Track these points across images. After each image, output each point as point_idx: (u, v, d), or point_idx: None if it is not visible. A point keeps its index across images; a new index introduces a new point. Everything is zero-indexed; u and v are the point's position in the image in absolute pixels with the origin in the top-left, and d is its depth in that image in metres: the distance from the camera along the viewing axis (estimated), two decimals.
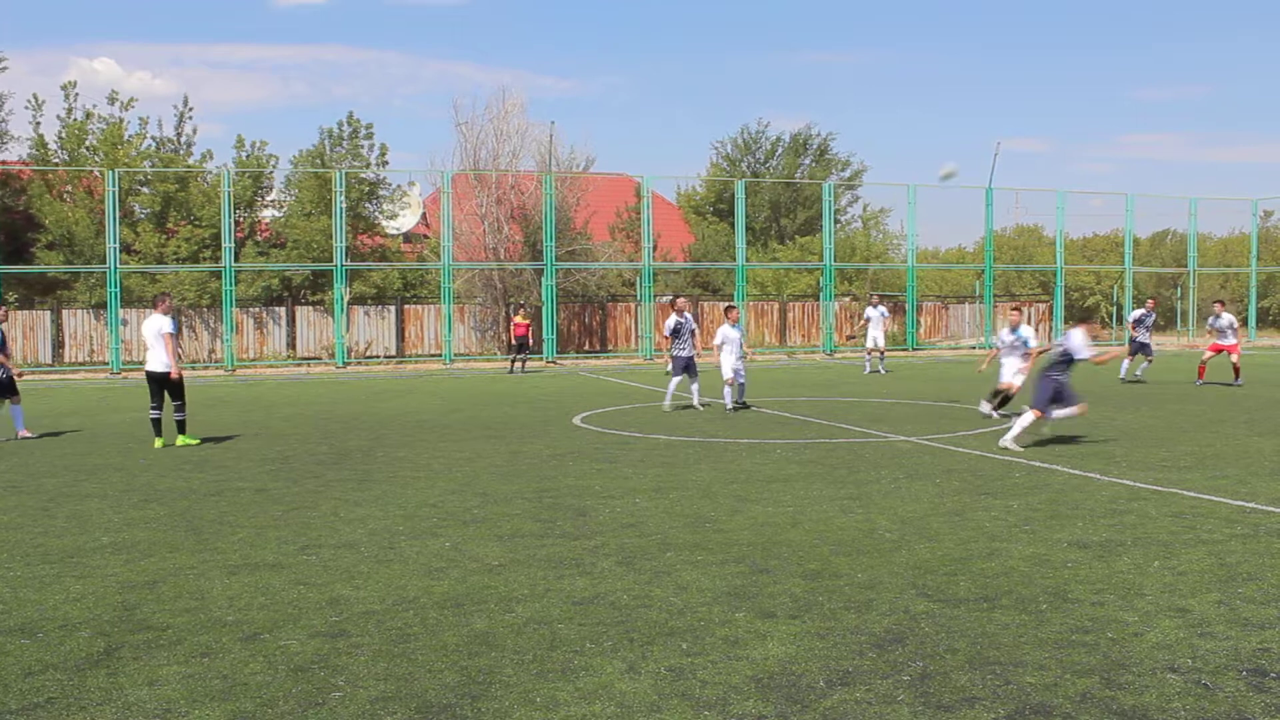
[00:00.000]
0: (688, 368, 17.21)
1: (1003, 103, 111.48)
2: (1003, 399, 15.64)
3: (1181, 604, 5.97)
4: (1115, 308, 45.93)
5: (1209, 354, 21.92)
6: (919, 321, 40.29)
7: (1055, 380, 12.32)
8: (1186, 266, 46.55)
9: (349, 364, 31.96)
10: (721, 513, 8.70)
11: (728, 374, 16.93)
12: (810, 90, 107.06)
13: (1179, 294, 46.77)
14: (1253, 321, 46.23)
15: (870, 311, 26.81)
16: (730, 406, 16.78)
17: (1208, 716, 4.38)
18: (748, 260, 37.54)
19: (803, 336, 40.07)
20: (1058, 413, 12.45)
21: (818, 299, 39.46)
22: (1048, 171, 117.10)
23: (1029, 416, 12.27)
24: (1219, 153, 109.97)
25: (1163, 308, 52.68)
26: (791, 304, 40.64)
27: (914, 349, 38.19)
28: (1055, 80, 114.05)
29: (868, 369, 27.18)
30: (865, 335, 27.29)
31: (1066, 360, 12.40)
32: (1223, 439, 13.02)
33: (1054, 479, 10.22)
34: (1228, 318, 21.51)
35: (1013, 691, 4.67)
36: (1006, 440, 12.25)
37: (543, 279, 33.93)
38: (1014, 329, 15.79)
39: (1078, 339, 12.41)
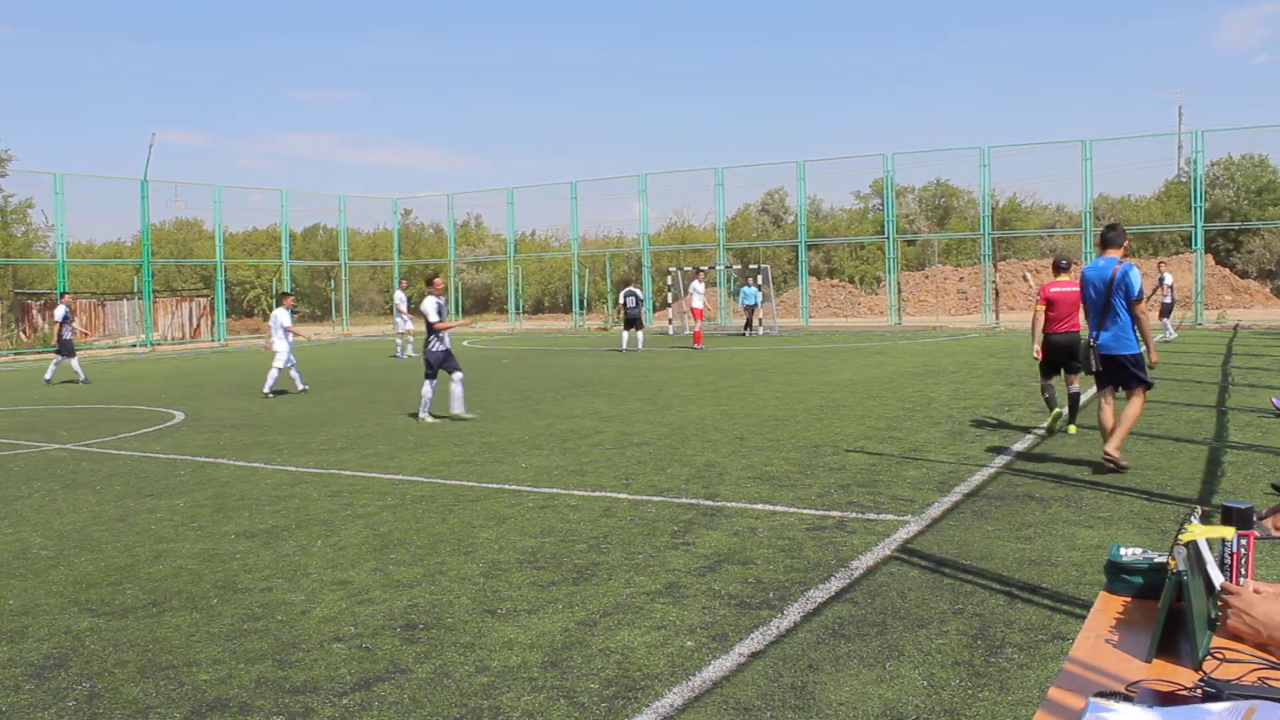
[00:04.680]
0: None
1: (160, 94, 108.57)
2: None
3: (343, 577, 6.40)
4: (275, 300, 47.27)
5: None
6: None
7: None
8: (339, 260, 49.56)
9: None
10: None
11: None
12: None
13: (333, 285, 49.59)
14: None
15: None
16: None
17: (370, 676, 4.77)
18: None
19: None
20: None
21: None
22: (209, 165, 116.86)
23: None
24: (367, 154, 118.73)
25: (319, 298, 55.60)
26: None
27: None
28: (215, 75, 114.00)
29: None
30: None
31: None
32: (374, 419, 14.15)
33: (220, 473, 10.27)
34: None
35: (187, 693, 4.63)
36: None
37: None
38: None
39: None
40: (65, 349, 22.59)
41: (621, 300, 27.88)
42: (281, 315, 18.58)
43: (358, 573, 6.49)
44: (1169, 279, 26.68)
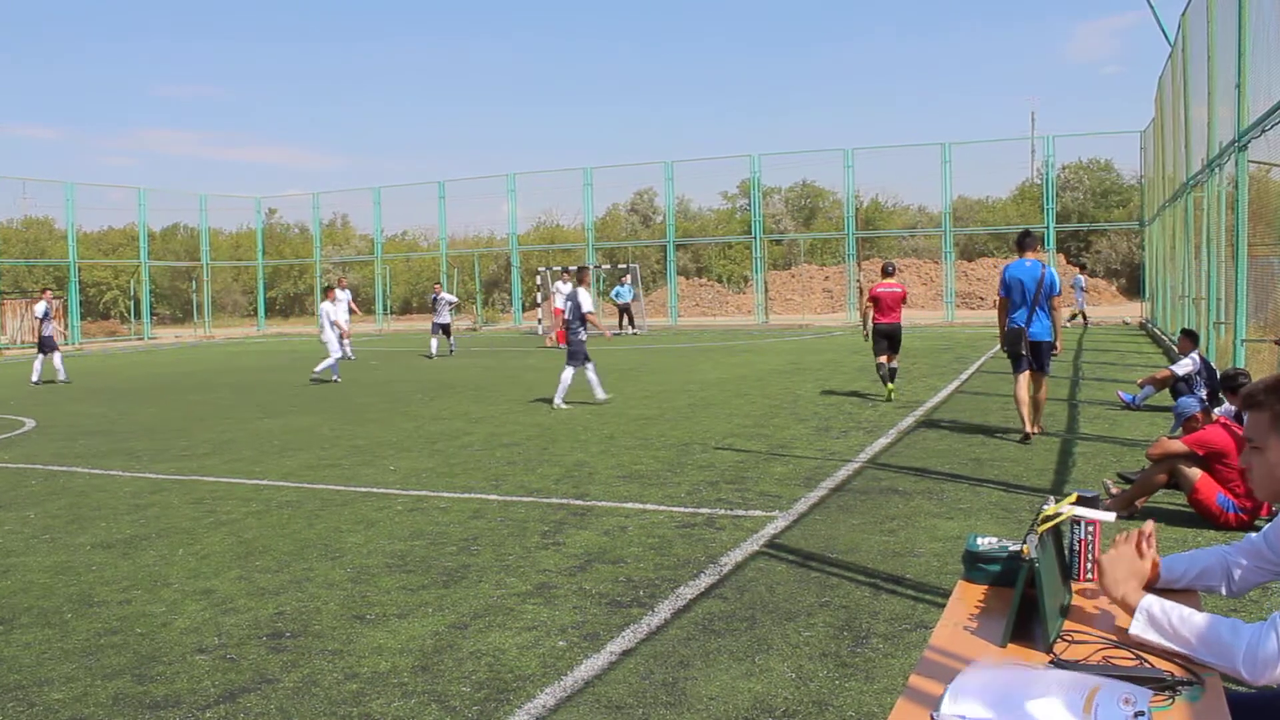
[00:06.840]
0: None
1: (6, 83, 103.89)
2: None
3: (206, 586, 6.23)
4: (133, 302, 45.56)
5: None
6: None
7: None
8: (200, 260, 48.05)
9: None
10: None
11: None
12: None
13: (194, 286, 48.04)
14: (262, 311, 49.47)
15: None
16: None
17: (235, 687, 4.65)
18: None
19: None
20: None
21: None
22: (65, 161, 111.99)
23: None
24: (230, 151, 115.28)
25: (180, 300, 53.81)
26: None
27: None
28: (69, 68, 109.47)
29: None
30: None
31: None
32: (237, 424, 13.77)
33: (75, 482, 9.86)
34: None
35: (38, 714, 4.44)
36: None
37: None
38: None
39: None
40: (46, 345, 21.70)
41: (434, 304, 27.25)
42: (328, 308, 19.88)
43: (221, 581, 6.32)
44: (1083, 281, 30.61)
